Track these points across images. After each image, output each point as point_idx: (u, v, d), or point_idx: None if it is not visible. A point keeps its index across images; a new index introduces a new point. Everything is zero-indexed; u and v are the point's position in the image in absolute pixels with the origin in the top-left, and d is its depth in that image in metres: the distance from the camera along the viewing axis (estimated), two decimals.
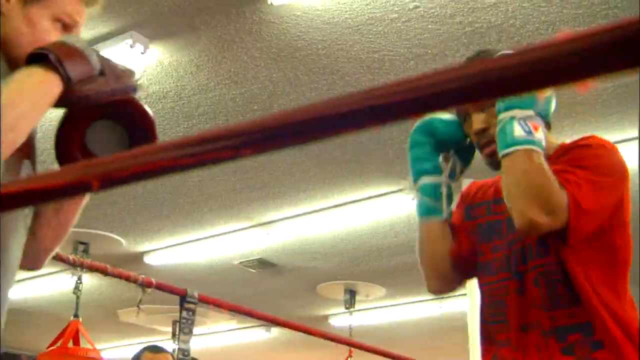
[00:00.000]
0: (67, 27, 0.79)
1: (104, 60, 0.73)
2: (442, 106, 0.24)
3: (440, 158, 0.89)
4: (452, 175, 0.89)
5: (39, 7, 0.76)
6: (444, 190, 0.88)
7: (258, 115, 2.13)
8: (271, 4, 1.70)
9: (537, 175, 0.76)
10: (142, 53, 1.77)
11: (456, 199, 0.93)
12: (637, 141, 2.26)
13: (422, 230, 0.91)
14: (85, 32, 1.86)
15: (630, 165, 2.34)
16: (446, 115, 0.90)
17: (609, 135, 2.02)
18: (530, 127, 0.77)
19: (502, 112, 0.79)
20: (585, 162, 0.81)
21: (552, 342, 0.80)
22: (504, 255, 0.85)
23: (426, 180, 0.89)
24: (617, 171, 0.83)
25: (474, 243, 0.90)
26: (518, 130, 0.77)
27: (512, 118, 0.77)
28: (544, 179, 0.76)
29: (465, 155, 0.90)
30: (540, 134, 0.78)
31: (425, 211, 0.90)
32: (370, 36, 1.85)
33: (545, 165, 0.77)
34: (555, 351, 0.79)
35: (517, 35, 1.75)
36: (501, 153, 0.78)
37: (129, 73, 0.77)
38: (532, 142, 0.76)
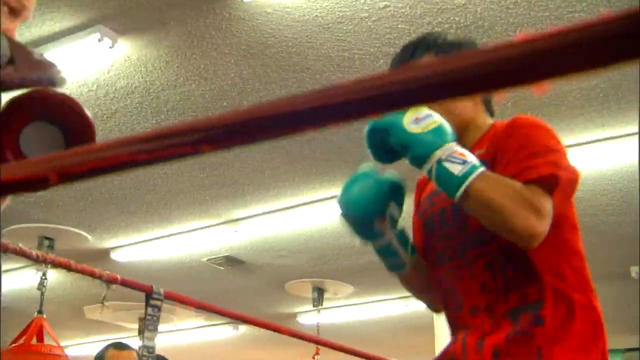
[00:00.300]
0: (15, 12, 0.77)
1: (18, 48, 0.68)
2: (400, 104, 0.25)
3: (375, 224, 0.84)
4: (394, 225, 0.85)
5: None
6: (395, 244, 0.85)
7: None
8: (242, 0, 1.72)
9: (504, 194, 0.72)
10: (111, 47, 1.73)
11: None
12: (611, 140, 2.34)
13: (401, 279, 0.94)
14: (52, 25, 1.80)
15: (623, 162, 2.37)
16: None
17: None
18: (459, 157, 0.72)
19: (424, 164, 0.73)
20: (537, 147, 0.78)
21: (507, 323, 0.80)
22: (455, 243, 0.86)
23: (375, 246, 0.87)
24: (561, 146, 0.81)
25: (427, 237, 0.92)
26: (453, 168, 0.72)
27: (439, 161, 0.72)
28: (512, 195, 0.72)
29: (399, 199, 0.84)
30: (470, 156, 0.74)
31: (393, 269, 0.90)
32: (340, 34, 1.87)
33: (502, 179, 0.74)
34: (509, 332, 0.79)
35: (486, 36, 1.79)
36: (456, 199, 0.72)
37: (47, 64, 0.74)
38: (474, 168, 0.71)
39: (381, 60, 1.97)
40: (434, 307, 0.98)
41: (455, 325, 0.89)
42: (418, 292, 0.97)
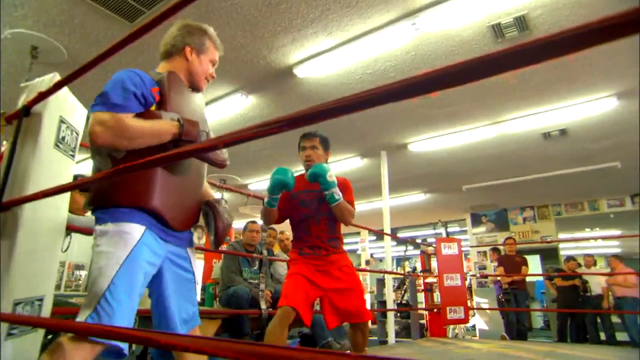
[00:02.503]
0: (214, 65, 1.48)
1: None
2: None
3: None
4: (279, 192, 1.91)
5: (204, 56, 1.44)
6: (274, 201, 1.91)
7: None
8: (296, 75, 3.78)
9: (348, 208, 1.92)
10: (246, 98, 4.05)
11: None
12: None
13: (267, 212, 1.95)
14: (214, 92, 4.16)
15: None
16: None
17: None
18: (339, 193, 1.87)
19: (328, 190, 1.85)
20: (349, 191, 2.01)
21: (327, 245, 1.98)
22: (312, 210, 1.97)
23: (274, 197, 1.89)
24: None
25: (295, 206, 2.01)
26: (337, 195, 1.86)
27: (332, 192, 1.85)
28: (350, 209, 1.93)
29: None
30: (339, 193, 1.87)
31: (270, 205, 1.91)
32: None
33: (345, 204, 1.90)
34: (329, 248, 1.99)
35: None
36: (333, 204, 1.86)
37: (222, 156, 1.29)
38: (341, 198, 1.87)
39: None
40: (268, 224, 2.05)
41: (303, 244, 2.02)
42: (268, 220, 1.98)
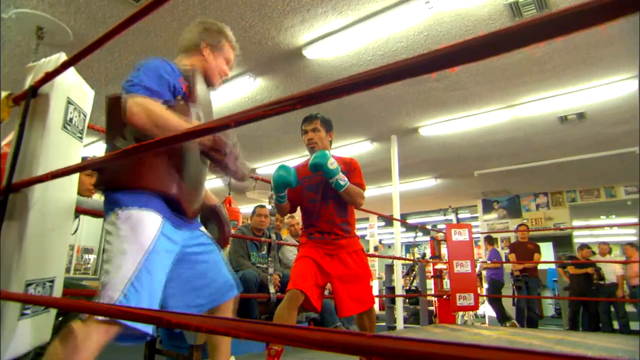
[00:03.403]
0: (229, 64, 1.50)
1: (238, 155, 1.23)
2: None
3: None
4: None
5: (218, 53, 1.46)
6: (282, 198, 1.92)
7: None
8: (305, 57, 3.71)
9: (356, 191, 1.88)
10: (254, 81, 4.00)
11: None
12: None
13: (279, 207, 1.96)
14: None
15: None
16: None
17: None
18: (344, 179, 1.83)
19: (331, 179, 1.81)
20: (357, 172, 1.97)
21: (338, 229, 1.93)
22: (319, 194, 1.95)
23: (281, 194, 1.90)
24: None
25: (303, 192, 1.99)
26: (342, 181, 1.82)
27: (337, 179, 1.81)
28: (359, 191, 1.89)
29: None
30: (345, 178, 1.83)
31: (280, 201, 1.93)
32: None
33: (354, 186, 1.86)
34: (339, 232, 1.94)
35: None
36: (341, 190, 1.82)
37: (244, 168, 1.29)
38: (347, 183, 1.83)
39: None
40: (283, 215, 2.16)
41: (313, 229, 1.96)
42: (282, 213, 2.02)
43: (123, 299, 1.03)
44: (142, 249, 1.10)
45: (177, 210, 1.25)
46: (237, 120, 0.73)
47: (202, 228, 1.42)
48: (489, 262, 6.12)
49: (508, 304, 6.31)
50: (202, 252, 1.35)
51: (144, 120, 1.10)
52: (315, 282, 1.86)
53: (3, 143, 1.75)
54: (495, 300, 5.98)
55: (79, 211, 1.80)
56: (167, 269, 1.18)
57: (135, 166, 1.19)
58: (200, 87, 1.36)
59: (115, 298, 1.04)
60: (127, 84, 1.17)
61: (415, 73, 0.50)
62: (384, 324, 6.35)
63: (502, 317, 5.83)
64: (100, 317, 1.04)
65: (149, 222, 1.14)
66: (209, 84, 1.45)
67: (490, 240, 6.81)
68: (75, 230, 1.93)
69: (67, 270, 6.04)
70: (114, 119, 1.26)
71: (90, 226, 6.36)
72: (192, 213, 1.32)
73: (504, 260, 6.41)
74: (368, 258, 2.17)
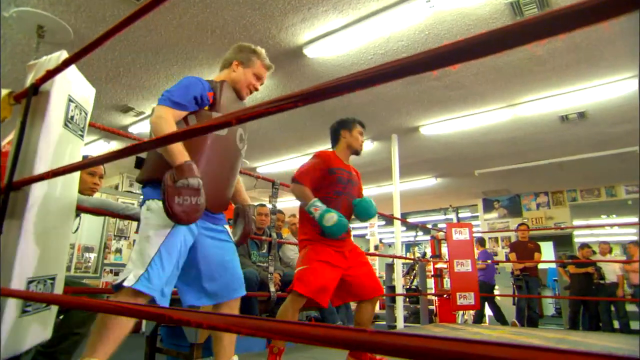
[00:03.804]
0: (259, 80, 1.65)
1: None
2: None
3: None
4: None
5: (248, 69, 1.62)
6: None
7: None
8: (306, 56, 3.70)
9: None
10: None
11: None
12: None
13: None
14: None
15: None
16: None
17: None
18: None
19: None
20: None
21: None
22: (346, 189, 2.03)
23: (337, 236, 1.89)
24: None
25: (333, 181, 1.99)
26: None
27: None
28: None
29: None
30: None
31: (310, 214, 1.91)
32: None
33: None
34: (348, 230, 1.97)
35: None
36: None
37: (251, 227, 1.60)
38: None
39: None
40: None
41: None
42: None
43: (146, 274, 1.25)
44: (163, 234, 1.30)
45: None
46: (238, 118, 0.73)
47: (227, 226, 1.57)
48: (479, 262, 6.13)
49: (508, 304, 6.31)
50: (220, 247, 1.50)
51: (153, 128, 1.36)
52: (332, 289, 1.91)
53: (4, 142, 1.75)
54: (490, 302, 5.99)
55: (80, 210, 1.80)
56: (184, 249, 1.36)
57: (163, 164, 1.34)
58: (228, 96, 1.54)
59: (139, 274, 1.25)
60: (162, 95, 1.42)
61: (416, 71, 0.50)
62: (384, 322, 6.35)
63: (500, 320, 5.84)
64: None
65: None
66: (238, 95, 1.61)
67: (481, 242, 6.80)
68: (77, 229, 1.93)
69: (68, 268, 6.03)
70: None
71: (90, 225, 6.37)
72: (215, 207, 1.48)
73: (492, 262, 6.41)
74: (369, 256, 2.19)
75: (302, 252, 2.01)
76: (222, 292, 1.49)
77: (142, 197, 1.44)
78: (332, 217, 1.85)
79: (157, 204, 1.33)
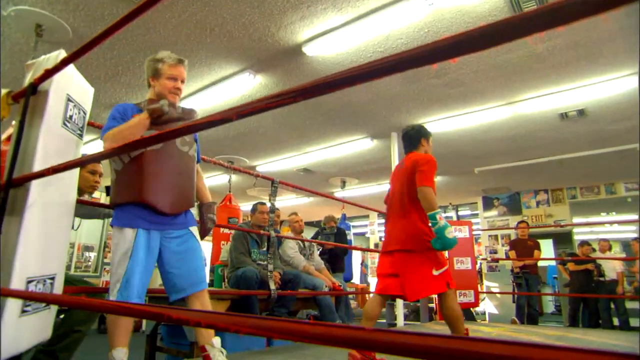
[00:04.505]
0: (176, 79, 1.74)
1: (173, 107, 1.65)
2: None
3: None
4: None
5: (161, 77, 1.73)
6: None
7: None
8: (305, 54, 3.69)
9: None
10: (253, 78, 3.98)
11: None
12: None
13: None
14: (220, 73, 4.08)
15: None
16: None
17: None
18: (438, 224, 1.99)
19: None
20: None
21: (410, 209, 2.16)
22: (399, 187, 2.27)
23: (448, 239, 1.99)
24: None
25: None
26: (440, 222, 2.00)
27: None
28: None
29: None
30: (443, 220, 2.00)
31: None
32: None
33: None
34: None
35: None
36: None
37: (190, 112, 1.72)
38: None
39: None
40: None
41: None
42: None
43: (123, 289, 1.58)
44: (127, 255, 1.61)
45: (154, 210, 1.66)
46: (238, 113, 0.73)
47: (192, 229, 1.81)
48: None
49: (508, 301, 6.32)
50: (181, 249, 1.74)
51: (108, 143, 1.58)
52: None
53: (3, 137, 1.75)
54: None
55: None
56: (149, 262, 1.66)
57: (119, 186, 1.67)
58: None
59: (117, 289, 1.58)
60: (101, 133, 1.70)
61: (414, 64, 0.49)
62: (384, 320, 6.36)
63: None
64: None
65: (127, 237, 1.62)
66: (170, 102, 1.74)
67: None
68: (77, 227, 1.94)
69: (68, 267, 6.03)
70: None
71: (90, 224, 6.37)
72: (173, 209, 1.71)
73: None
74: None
75: (429, 255, 2.07)
76: (185, 287, 1.73)
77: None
78: (452, 230, 1.97)
79: (118, 230, 1.64)
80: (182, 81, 1.78)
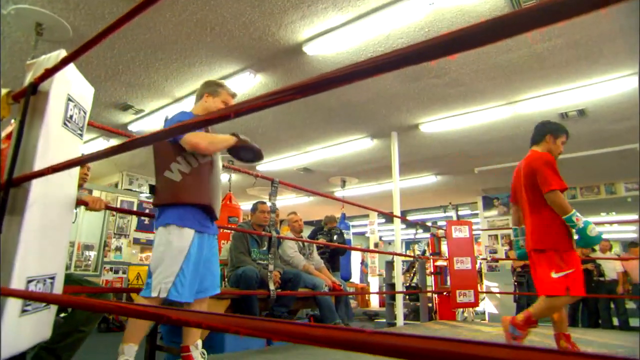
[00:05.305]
0: (227, 105, 1.99)
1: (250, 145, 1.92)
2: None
3: None
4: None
5: (217, 98, 1.97)
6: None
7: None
8: (306, 53, 3.68)
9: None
10: (254, 78, 3.98)
11: None
12: None
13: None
14: (225, 69, 4.09)
15: None
16: None
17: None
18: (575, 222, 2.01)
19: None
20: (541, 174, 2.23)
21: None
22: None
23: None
24: None
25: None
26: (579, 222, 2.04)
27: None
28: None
29: None
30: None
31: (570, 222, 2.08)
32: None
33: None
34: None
35: None
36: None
37: (259, 153, 1.96)
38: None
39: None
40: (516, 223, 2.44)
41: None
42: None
43: (175, 286, 1.68)
44: (182, 253, 1.71)
45: (209, 215, 1.86)
46: (236, 111, 0.73)
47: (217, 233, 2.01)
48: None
49: (509, 302, 6.32)
50: (213, 252, 1.91)
51: (205, 143, 1.77)
52: None
53: (3, 135, 1.75)
54: None
55: (79, 204, 1.82)
56: (199, 266, 1.80)
57: (184, 187, 1.77)
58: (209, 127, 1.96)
59: (169, 287, 1.68)
60: (177, 137, 1.80)
61: (412, 61, 0.49)
62: (384, 320, 6.36)
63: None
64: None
65: (186, 235, 1.74)
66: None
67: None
68: (74, 220, 1.94)
69: (68, 266, 6.04)
70: (162, 156, 1.85)
71: (91, 223, 6.37)
72: (219, 216, 1.91)
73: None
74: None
75: (551, 257, 2.08)
76: (208, 288, 1.86)
77: (158, 217, 1.80)
78: (594, 228, 1.96)
79: (178, 229, 1.73)
80: None
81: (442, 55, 0.49)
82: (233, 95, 2.02)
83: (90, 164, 2.23)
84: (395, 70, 0.53)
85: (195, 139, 1.76)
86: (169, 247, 1.71)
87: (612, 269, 5.81)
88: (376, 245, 8.95)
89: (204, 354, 1.87)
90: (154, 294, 1.65)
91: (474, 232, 5.02)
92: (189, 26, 3.24)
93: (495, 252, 8.00)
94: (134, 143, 0.93)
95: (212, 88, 2.01)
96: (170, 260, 1.69)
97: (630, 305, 5.70)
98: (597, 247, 6.06)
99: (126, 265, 6.74)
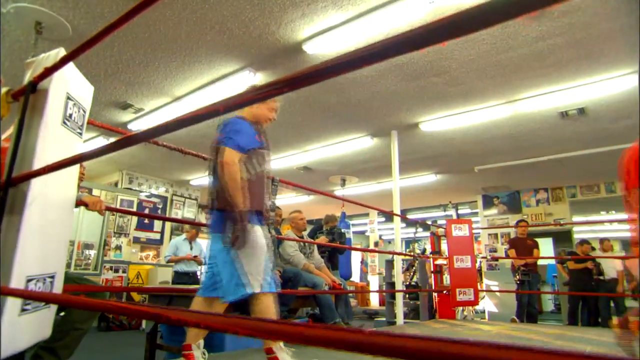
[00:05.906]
0: (274, 111, 2.14)
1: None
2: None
3: None
4: None
5: (264, 104, 2.08)
6: None
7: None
8: (306, 52, 3.68)
9: None
10: (254, 76, 3.97)
11: None
12: None
13: None
14: (222, 70, 4.08)
15: None
16: None
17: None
18: None
19: None
20: None
21: None
22: None
23: None
24: None
25: None
26: None
27: None
28: None
29: None
30: None
31: None
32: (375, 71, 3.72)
33: None
34: None
35: None
36: None
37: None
38: None
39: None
40: None
41: None
42: None
43: (270, 280, 1.81)
44: (263, 251, 1.82)
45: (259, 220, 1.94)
46: (225, 106, 0.72)
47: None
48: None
49: (509, 301, 6.33)
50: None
51: (227, 173, 1.79)
52: None
53: (3, 137, 1.75)
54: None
55: (78, 204, 1.81)
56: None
57: (250, 193, 1.86)
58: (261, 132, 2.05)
59: (259, 285, 1.76)
60: (223, 137, 1.88)
61: (403, 50, 0.49)
62: (384, 319, 6.37)
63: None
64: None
65: (259, 233, 1.84)
66: (258, 126, 2.04)
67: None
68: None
69: (68, 265, 6.04)
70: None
71: (91, 222, 6.37)
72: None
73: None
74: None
75: None
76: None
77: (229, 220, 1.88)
78: None
79: (258, 228, 1.84)
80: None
81: (429, 44, 0.48)
82: (277, 100, 2.13)
83: (84, 163, 2.23)
84: (383, 60, 0.53)
85: (229, 165, 1.80)
86: (253, 246, 1.80)
87: (612, 267, 5.81)
88: (376, 244, 8.95)
89: (204, 354, 1.87)
90: (257, 290, 1.74)
91: (473, 231, 5.03)
92: (189, 24, 3.23)
93: (495, 250, 8.00)
94: (133, 139, 0.93)
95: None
96: (258, 257, 1.80)
97: (630, 303, 5.70)
98: (596, 246, 6.07)
99: (126, 264, 6.75)
